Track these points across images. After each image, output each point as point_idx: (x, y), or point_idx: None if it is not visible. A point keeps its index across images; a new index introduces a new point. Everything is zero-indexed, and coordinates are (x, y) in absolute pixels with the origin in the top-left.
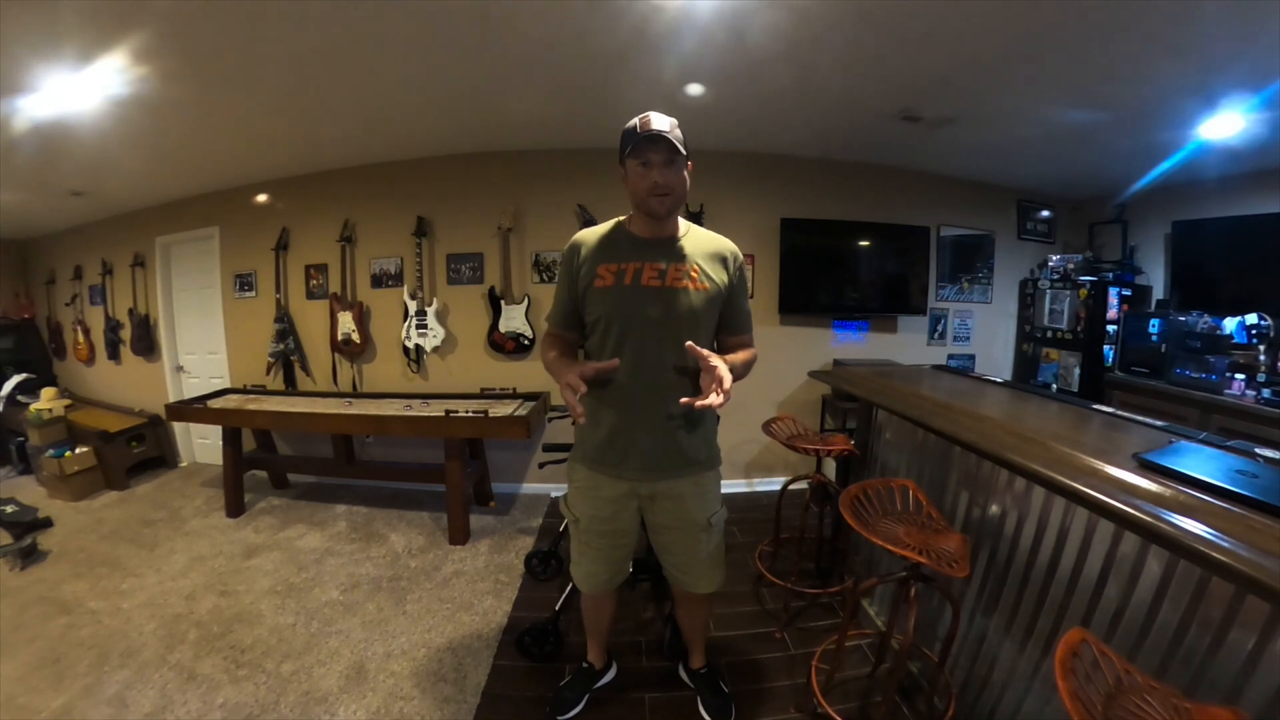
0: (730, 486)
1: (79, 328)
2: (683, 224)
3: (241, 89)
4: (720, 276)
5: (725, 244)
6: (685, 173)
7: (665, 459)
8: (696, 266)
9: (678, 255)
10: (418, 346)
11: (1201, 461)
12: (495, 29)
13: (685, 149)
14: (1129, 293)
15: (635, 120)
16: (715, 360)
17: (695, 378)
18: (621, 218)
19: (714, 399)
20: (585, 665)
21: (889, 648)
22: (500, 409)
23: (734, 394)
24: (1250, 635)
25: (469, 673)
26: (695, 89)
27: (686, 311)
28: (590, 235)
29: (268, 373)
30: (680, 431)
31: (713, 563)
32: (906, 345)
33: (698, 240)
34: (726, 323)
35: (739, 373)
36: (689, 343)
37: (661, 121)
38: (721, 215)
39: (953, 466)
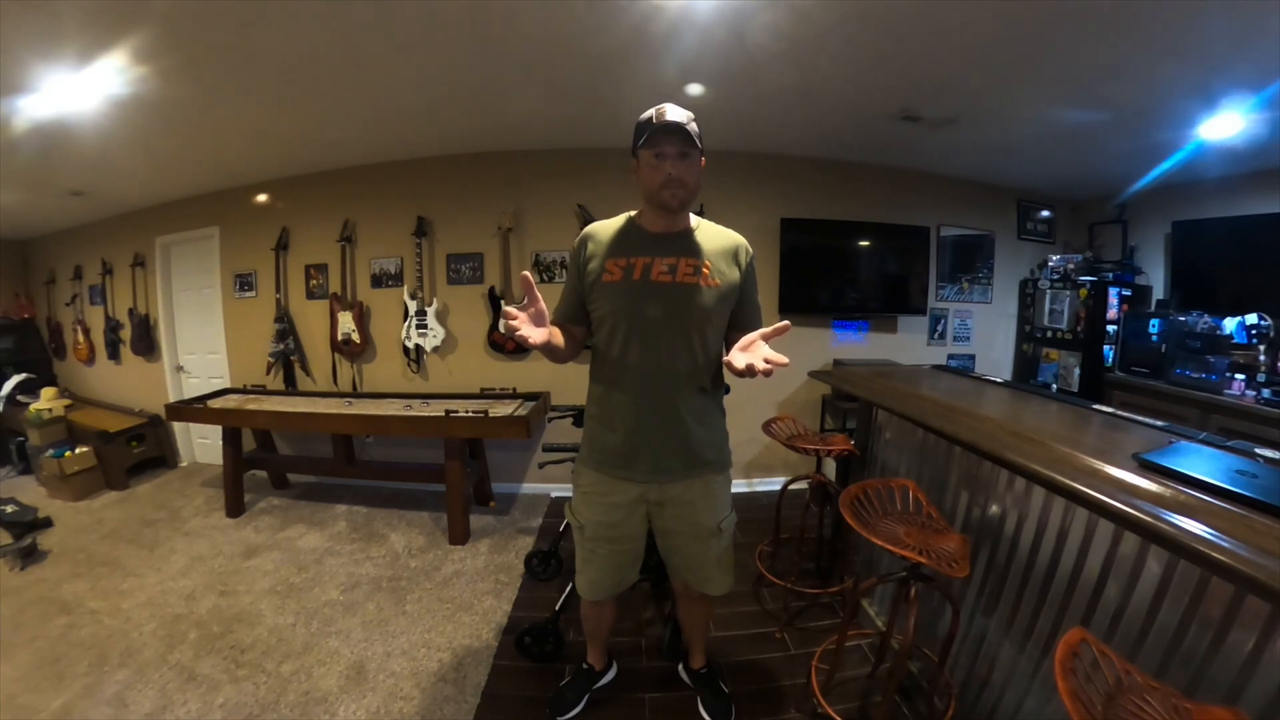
0: (731, 486)
1: (79, 328)
2: (693, 218)
3: (241, 89)
4: (732, 272)
5: (736, 239)
6: (699, 167)
7: (675, 459)
8: (708, 262)
9: (689, 250)
10: (418, 346)
11: (1201, 461)
12: (495, 29)
13: (700, 143)
14: (1129, 293)
15: (651, 111)
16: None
17: (707, 374)
18: (632, 212)
19: (743, 360)
20: (585, 666)
21: (889, 648)
22: (500, 409)
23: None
24: (1250, 635)
25: (469, 673)
26: (695, 89)
27: (697, 308)
28: (600, 229)
29: (268, 373)
30: (690, 431)
31: (722, 566)
32: (906, 345)
33: (709, 235)
34: (738, 320)
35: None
36: (726, 357)
37: (678, 113)
38: (721, 215)
39: (953, 466)
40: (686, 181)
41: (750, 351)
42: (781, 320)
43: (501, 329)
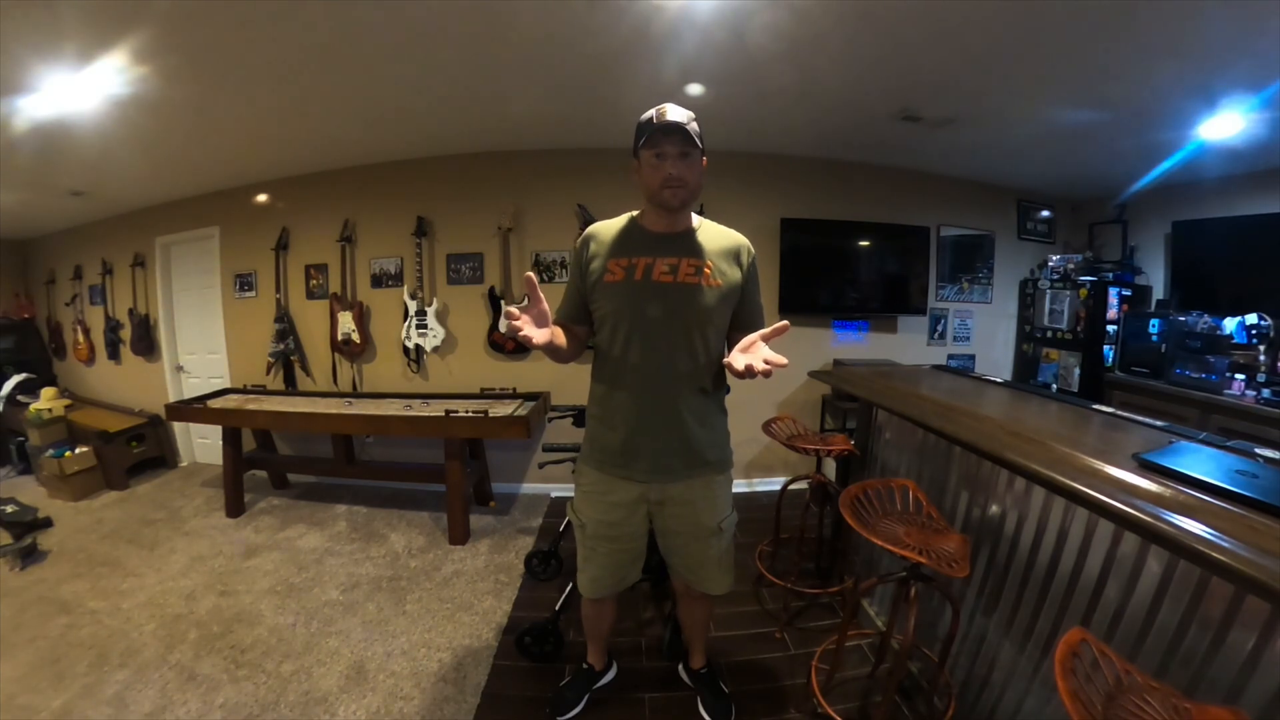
0: (732, 487)
1: (79, 328)
2: (695, 218)
3: (242, 89)
4: (734, 272)
5: (738, 239)
6: (700, 167)
7: (676, 459)
8: (710, 262)
9: (690, 250)
10: (418, 346)
11: (1201, 461)
12: (495, 29)
13: (701, 143)
14: (1129, 293)
15: (652, 111)
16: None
17: (708, 374)
18: (634, 213)
19: (742, 361)
20: (585, 666)
21: (889, 648)
22: (500, 409)
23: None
24: (1250, 635)
25: (469, 673)
26: (695, 89)
27: (698, 308)
28: (602, 229)
29: (268, 373)
30: (691, 431)
31: (722, 566)
32: (906, 345)
33: (710, 235)
34: (739, 320)
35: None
36: (726, 359)
37: (678, 113)
38: (721, 215)
39: (953, 466)
40: (687, 181)
41: (750, 353)
42: (781, 320)
43: (502, 329)
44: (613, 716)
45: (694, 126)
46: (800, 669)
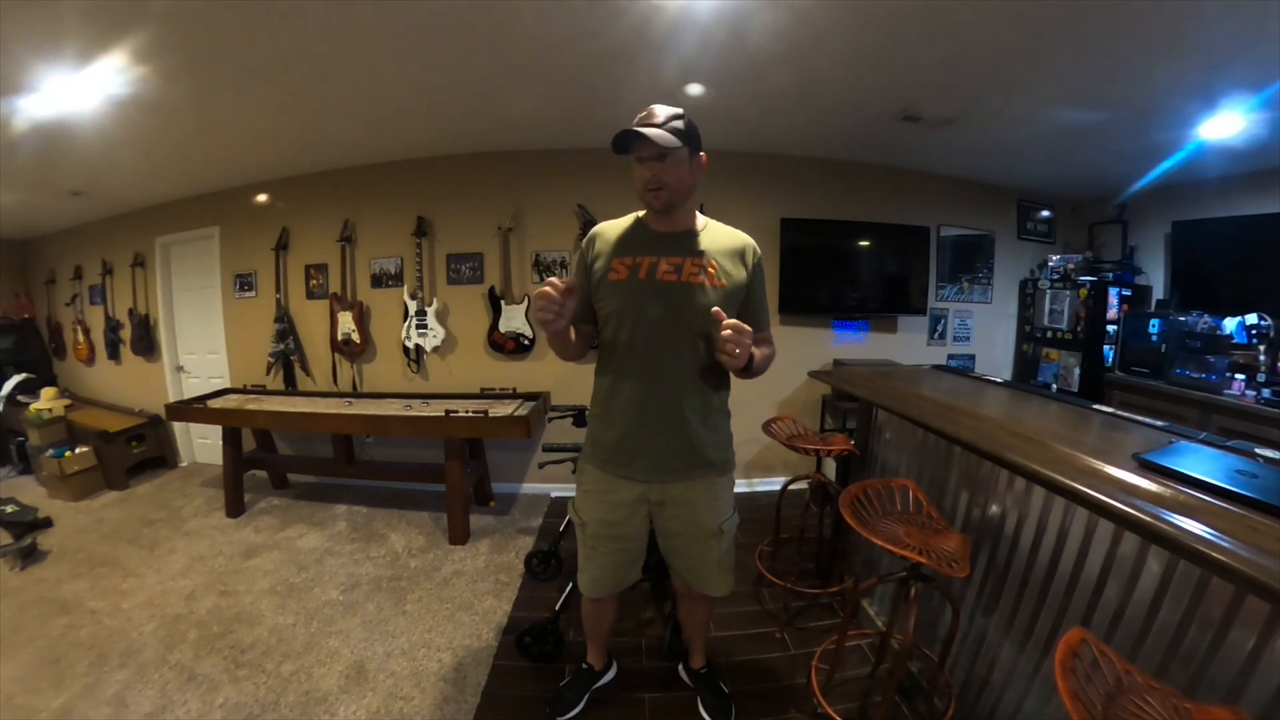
0: (734, 488)
1: (79, 328)
2: (700, 218)
3: (241, 89)
4: (739, 273)
5: (744, 239)
6: (685, 166)
7: (677, 459)
8: (714, 262)
9: (694, 250)
10: (418, 346)
11: (1201, 461)
12: (495, 29)
13: (687, 140)
14: (1129, 293)
15: (640, 115)
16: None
17: (711, 374)
18: (640, 212)
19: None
20: (585, 666)
21: (889, 648)
22: (500, 409)
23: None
24: (1250, 635)
25: (469, 673)
26: (695, 89)
27: (701, 308)
28: (607, 228)
29: (268, 373)
30: (694, 431)
31: (723, 567)
32: (906, 345)
33: (715, 235)
34: (744, 320)
35: (757, 366)
36: (715, 309)
37: (656, 114)
38: (721, 215)
39: (953, 466)
40: (667, 183)
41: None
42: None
43: (538, 294)
44: (613, 716)
45: (674, 125)
46: (800, 669)
